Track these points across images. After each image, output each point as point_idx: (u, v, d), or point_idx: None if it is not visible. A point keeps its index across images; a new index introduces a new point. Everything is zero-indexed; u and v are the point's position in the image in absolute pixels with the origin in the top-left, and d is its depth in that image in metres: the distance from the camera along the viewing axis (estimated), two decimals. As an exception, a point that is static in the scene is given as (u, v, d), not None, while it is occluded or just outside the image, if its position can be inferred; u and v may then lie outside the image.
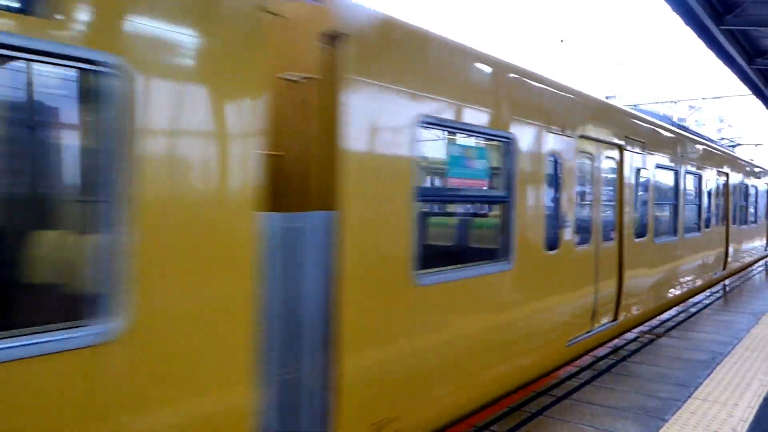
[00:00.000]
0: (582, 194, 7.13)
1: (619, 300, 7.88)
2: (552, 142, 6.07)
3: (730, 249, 14.69)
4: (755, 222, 18.44)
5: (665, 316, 9.40)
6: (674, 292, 10.51)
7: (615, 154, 7.87)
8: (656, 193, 9.31)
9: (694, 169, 11.46)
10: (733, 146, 27.87)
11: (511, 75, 5.57)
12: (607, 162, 7.66)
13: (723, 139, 28.96)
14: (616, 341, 7.66)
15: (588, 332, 7.07)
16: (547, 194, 6.00)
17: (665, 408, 5.25)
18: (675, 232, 10.34)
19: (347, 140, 3.74)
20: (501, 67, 5.41)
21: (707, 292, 11.98)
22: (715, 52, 12.33)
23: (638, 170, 8.53)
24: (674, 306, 10.23)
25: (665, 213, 10.32)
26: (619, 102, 16.10)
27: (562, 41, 34.91)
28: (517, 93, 5.61)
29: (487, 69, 5.23)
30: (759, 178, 19.26)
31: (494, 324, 5.27)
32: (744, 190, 16.59)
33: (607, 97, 10.71)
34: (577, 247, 6.73)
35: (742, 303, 10.87)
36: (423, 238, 4.44)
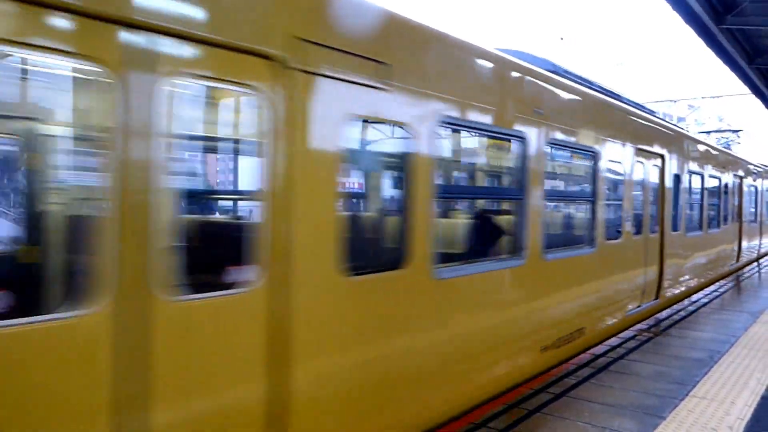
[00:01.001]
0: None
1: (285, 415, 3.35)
2: None
3: (669, 269, 10.04)
4: (718, 227, 13.58)
5: (662, 315, 9.41)
6: (523, 358, 5.90)
7: (264, 86, 3.19)
8: (443, 180, 5.44)
9: (575, 141, 6.83)
10: (708, 132, 26.39)
11: None
12: (227, 104, 3.45)
13: (722, 138, 28.87)
14: (613, 340, 7.66)
15: None
16: None
17: (663, 406, 5.27)
18: (518, 251, 5.73)
19: None
20: None
21: (703, 293, 11.95)
22: (714, 52, 12.37)
23: (367, 126, 4.46)
24: (525, 382, 5.83)
25: (501, 220, 6.25)
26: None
27: (561, 39, 34.97)
28: None
29: None
30: (724, 167, 13.69)
31: None
32: (698, 182, 12.03)
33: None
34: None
35: (740, 302, 10.89)
36: None
